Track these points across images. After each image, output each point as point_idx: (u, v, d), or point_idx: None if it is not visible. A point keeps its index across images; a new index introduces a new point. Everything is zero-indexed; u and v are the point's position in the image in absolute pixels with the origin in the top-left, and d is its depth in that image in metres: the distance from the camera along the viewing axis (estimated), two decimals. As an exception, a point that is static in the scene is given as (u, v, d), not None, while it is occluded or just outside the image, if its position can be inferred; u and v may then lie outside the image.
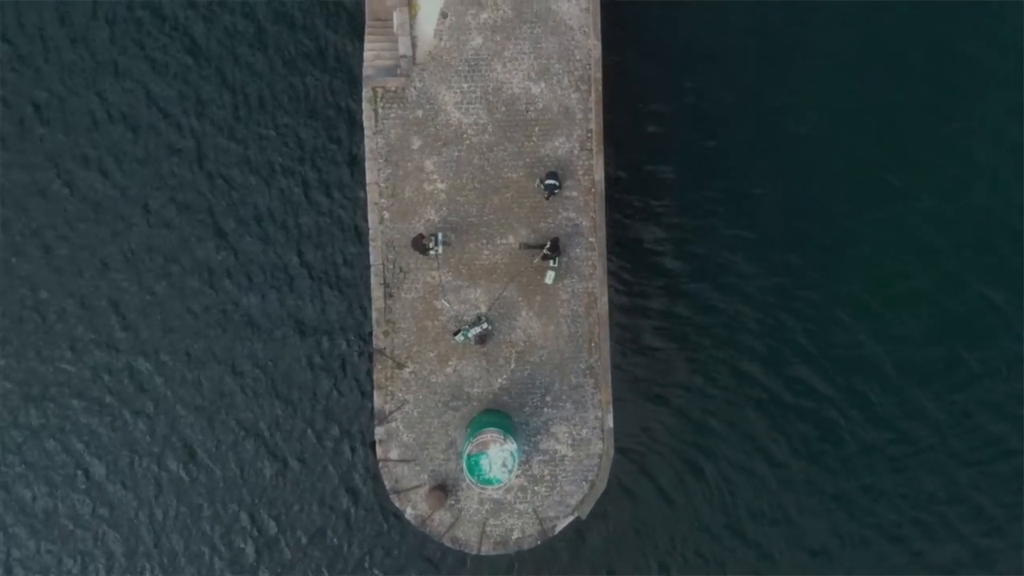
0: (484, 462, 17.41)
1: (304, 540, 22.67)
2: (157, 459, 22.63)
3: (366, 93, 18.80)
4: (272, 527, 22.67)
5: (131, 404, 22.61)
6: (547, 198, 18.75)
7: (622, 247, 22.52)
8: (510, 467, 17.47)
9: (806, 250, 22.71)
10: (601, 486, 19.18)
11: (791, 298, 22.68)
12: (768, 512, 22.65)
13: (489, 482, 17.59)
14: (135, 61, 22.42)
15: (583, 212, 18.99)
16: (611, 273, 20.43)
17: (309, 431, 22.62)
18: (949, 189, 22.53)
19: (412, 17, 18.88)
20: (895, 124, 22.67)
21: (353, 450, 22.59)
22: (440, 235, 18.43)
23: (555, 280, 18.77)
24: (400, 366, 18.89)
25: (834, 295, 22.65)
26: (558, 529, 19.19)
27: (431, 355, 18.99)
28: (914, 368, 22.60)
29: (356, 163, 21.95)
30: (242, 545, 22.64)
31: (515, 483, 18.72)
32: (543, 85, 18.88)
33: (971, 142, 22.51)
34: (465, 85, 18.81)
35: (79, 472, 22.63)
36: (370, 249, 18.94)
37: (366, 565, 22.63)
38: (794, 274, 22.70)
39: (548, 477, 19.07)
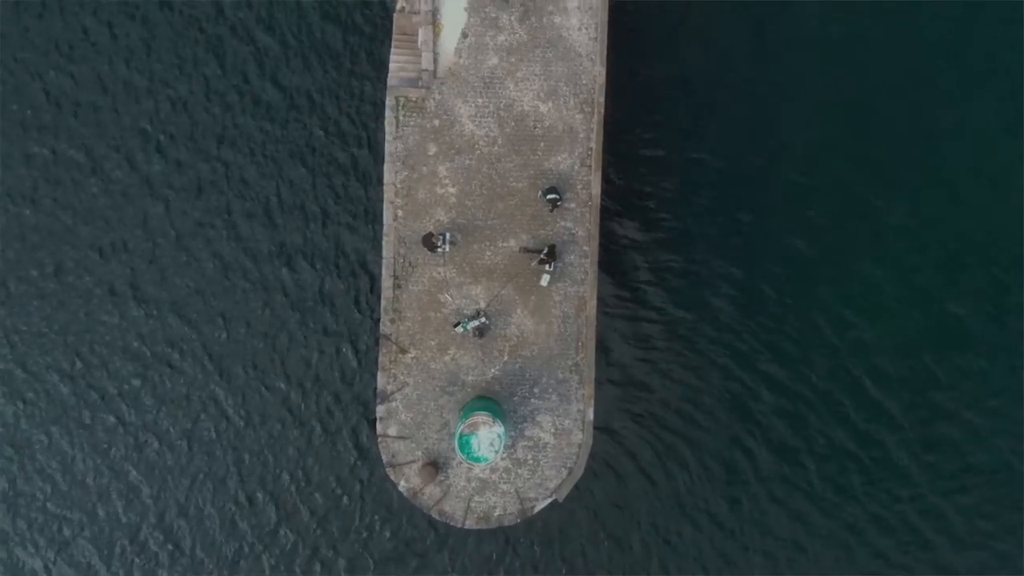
0: (474, 441, 19.30)
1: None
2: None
3: (389, 101, 20.63)
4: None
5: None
6: (551, 211, 20.57)
7: (613, 256, 24.46)
8: (497, 448, 19.36)
9: (787, 262, 24.61)
10: (579, 472, 21.05)
11: (770, 306, 24.68)
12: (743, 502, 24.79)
13: (477, 460, 19.47)
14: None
15: (579, 223, 20.83)
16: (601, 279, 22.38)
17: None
18: (930, 208, 24.44)
19: (436, 35, 20.70)
20: (881, 144, 24.44)
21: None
22: (448, 235, 20.29)
23: (549, 283, 20.59)
24: (403, 351, 20.74)
25: (811, 304, 24.59)
26: (537, 509, 21.04)
27: (432, 343, 20.83)
28: (884, 375, 24.57)
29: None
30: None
31: (500, 464, 20.59)
32: (550, 105, 20.71)
33: (956, 165, 24.42)
34: (480, 100, 20.64)
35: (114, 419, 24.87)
36: (383, 243, 20.79)
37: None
38: (775, 285, 24.65)
39: (531, 461, 20.92)
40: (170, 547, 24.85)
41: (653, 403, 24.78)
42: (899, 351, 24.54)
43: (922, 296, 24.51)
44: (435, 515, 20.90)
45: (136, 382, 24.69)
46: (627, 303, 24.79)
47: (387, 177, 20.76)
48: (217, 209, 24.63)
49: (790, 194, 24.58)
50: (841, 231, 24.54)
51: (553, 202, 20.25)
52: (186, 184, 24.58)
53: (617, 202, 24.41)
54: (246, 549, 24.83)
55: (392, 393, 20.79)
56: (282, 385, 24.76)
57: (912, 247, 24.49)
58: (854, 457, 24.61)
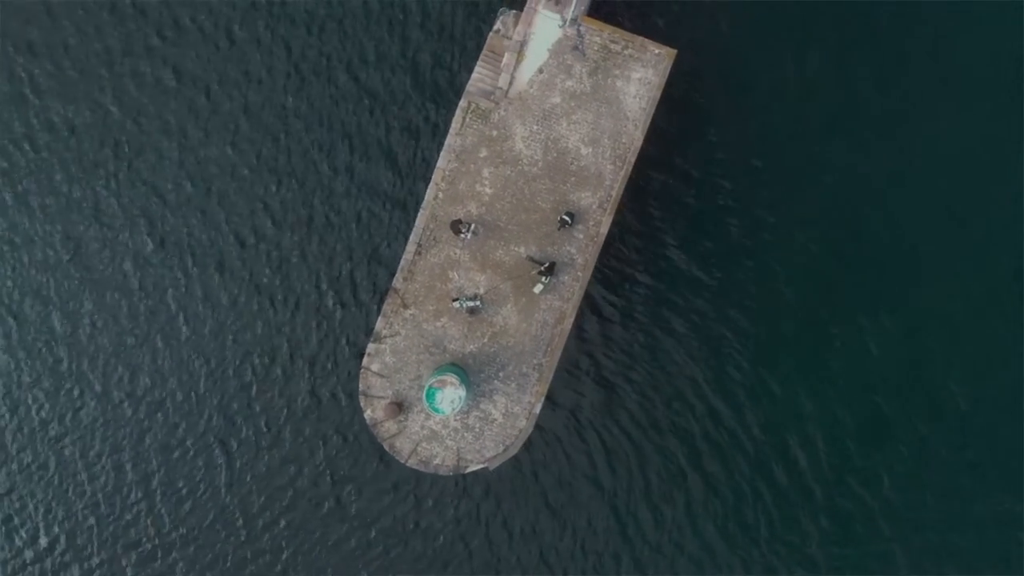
0: (439, 395, 23.06)
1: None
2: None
3: (462, 103, 24.42)
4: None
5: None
6: (559, 229, 24.36)
7: (606, 285, 28.47)
8: (455, 407, 23.11)
9: (753, 327, 28.65)
10: (513, 452, 24.79)
11: (733, 355, 28.83)
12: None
13: (436, 411, 23.22)
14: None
15: (582, 252, 24.59)
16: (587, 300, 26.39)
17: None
18: (899, 324, 28.26)
19: (518, 62, 24.49)
20: (868, 255, 28.23)
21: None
22: (473, 226, 24.05)
23: (541, 292, 24.35)
24: (405, 306, 24.49)
25: (768, 365, 28.71)
26: (468, 470, 24.77)
27: (430, 308, 24.58)
28: (813, 446, 28.64)
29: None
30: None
31: (452, 423, 24.35)
32: (590, 150, 24.49)
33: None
34: (535, 127, 24.45)
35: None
36: (418, 215, 24.56)
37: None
38: (739, 341, 28.76)
39: (477, 429, 24.66)
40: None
41: (604, 412, 28.99)
42: (832, 431, 28.48)
43: (869, 392, 28.39)
44: (386, 447, 24.63)
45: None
46: (605, 328, 28.80)
47: (439, 163, 24.52)
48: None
49: (771, 277, 28.46)
50: (813, 313, 28.40)
51: (563, 222, 24.01)
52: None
53: (617, 243, 28.34)
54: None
55: (385, 337, 24.54)
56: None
57: (877, 353, 28.31)
58: (766, 505, 28.63)
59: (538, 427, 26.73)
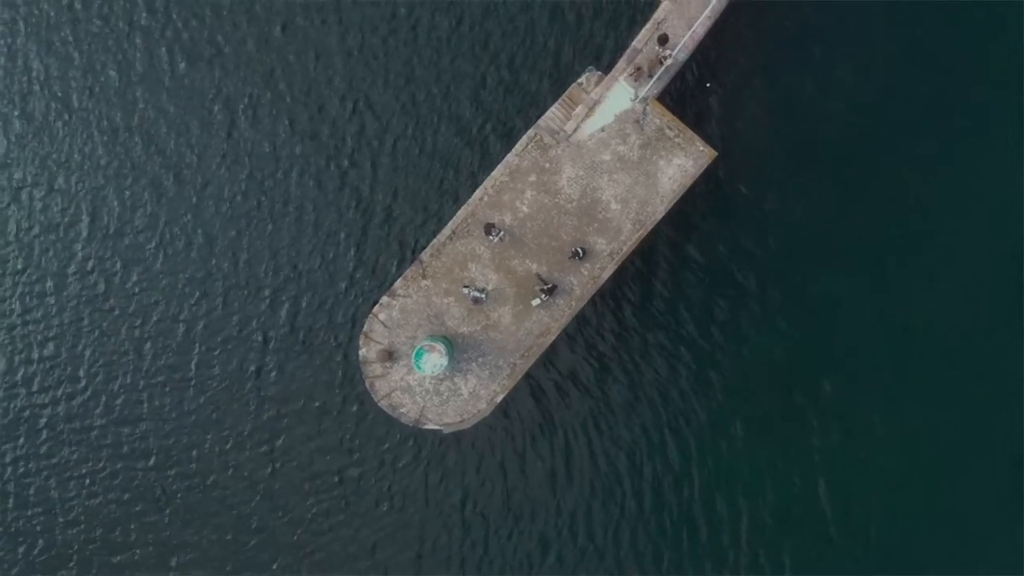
0: (424, 356, 27.22)
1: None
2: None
3: (530, 132, 28.66)
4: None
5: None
6: (570, 258, 28.50)
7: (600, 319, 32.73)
8: (435, 371, 27.29)
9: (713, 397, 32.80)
10: (467, 426, 28.91)
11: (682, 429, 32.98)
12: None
13: (419, 368, 27.38)
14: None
15: (581, 286, 28.73)
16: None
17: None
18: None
19: (587, 115, 28.75)
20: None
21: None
22: (502, 232, 28.24)
23: (537, 306, 28.51)
24: (424, 277, 28.69)
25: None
26: (425, 427, 28.91)
27: (443, 286, 28.75)
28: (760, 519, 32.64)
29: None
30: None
31: (427, 384, 28.49)
32: (619, 207, 28.66)
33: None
34: (580, 172, 28.66)
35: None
36: (462, 208, 28.76)
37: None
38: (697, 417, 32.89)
39: (444, 397, 28.77)
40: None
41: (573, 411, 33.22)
42: (778, 510, 32.38)
43: (807, 482, 32.35)
44: (367, 384, 28.79)
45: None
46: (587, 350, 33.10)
47: (494, 172, 28.76)
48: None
49: (743, 358, 32.64)
50: (775, 397, 32.53)
51: (576, 253, 28.16)
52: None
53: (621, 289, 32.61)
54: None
55: (399, 295, 28.74)
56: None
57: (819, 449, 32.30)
58: (681, 552, 32.52)
59: (517, 420, 31.25)
